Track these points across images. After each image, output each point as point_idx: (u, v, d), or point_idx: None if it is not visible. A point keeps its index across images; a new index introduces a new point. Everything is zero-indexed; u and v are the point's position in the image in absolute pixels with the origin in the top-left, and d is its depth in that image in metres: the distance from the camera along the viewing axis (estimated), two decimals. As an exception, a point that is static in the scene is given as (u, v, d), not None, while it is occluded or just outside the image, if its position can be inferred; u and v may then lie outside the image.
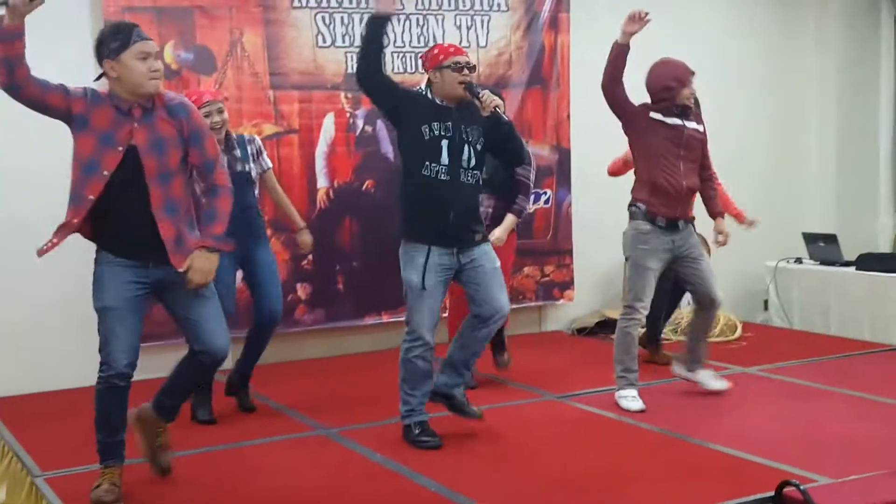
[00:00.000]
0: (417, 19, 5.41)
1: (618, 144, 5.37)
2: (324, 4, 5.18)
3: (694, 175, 4.19)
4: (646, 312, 4.21)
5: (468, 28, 5.55)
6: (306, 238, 4.38)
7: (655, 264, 4.13)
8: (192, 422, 4.09)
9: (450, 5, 5.49)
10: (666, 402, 4.33)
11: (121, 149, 3.01)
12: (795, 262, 6.26)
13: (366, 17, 5.15)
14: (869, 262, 5.92)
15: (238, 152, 4.07)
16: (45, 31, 4.62)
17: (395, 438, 3.79)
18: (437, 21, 5.46)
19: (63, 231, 3.06)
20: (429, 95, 3.68)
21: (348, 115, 5.30)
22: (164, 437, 3.38)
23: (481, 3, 5.56)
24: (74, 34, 4.75)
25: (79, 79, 4.70)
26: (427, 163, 3.59)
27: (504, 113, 3.65)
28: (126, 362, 3.08)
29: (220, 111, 3.98)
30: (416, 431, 3.72)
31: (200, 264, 3.09)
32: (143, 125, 3.05)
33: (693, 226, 4.26)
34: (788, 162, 6.80)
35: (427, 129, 3.59)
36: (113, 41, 3.03)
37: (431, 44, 5.40)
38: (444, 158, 3.59)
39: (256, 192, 4.16)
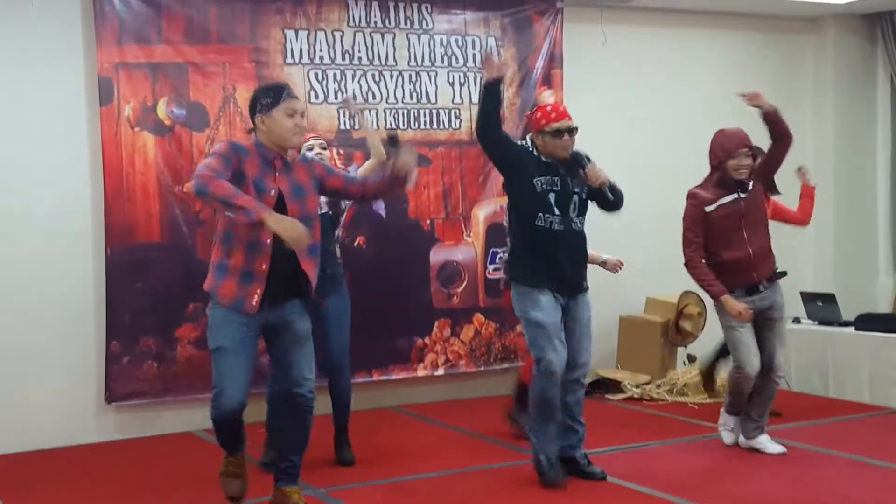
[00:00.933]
0: (410, 76, 5.44)
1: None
2: (316, 61, 5.22)
3: (761, 236, 4.28)
4: (756, 366, 4.23)
5: (461, 84, 5.58)
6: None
7: (743, 325, 4.20)
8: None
9: (443, 62, 5.53)
10: (659, 464, 4.26)
11: (273, 193, 3.29)
12: (793, 321, 6.18)
13: (358, 74, 5.30)
14: (868, 322, 5.85)
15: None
16: (39, 83, 4.73)
17: (383, 499, 3.70)
18: (429, 77, 5.50)
19: (258, 279, 3.26)
20: (534, 152, 3.90)
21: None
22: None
23: (474, 60, 5.60)
24: (68, 87, 4.79)
25: (68, 129, 4.79)
26: (540, 214, 3.83)
27: (608, 187, 3.88)
28: (235, 400, 3.27)
29: (323, 147, 4.24)
30: (544, 461, 3.87)
31: (290, 227, 3.18)
32: (284, 174, 3.34)
33: (778, 284, 4.34)
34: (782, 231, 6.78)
35: (539, 183, 3.84)
36: (266, 97, 3.35)
37: (425, 101, 5.47)
38: (555, 209, 3.84)
39: (336, 238, 4.25)
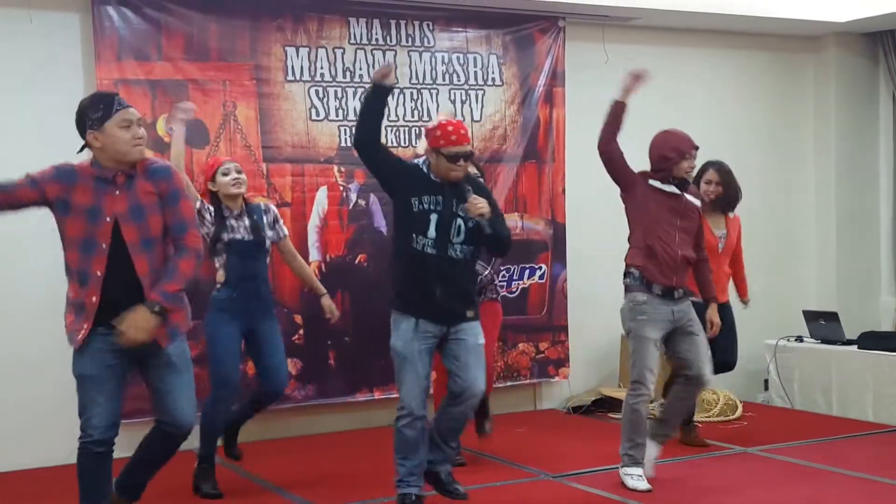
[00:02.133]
0: (412, 93, 5.44)
1: (613, 219, 5.31)
2: (317, 78, 5.22)
3: (689, 247, 4.13)
4: (653, 387, 4.09)
5: (462, 102, 5.57)
6: (329, 303, 4.35)
7: (656, 334, 4.02)
8: (195, 495, 4.05)
9: (444, 79, 5.53)
10: (665, 483, 4.21)
11: (109, 219, 3.01)
12: (796, 340, 6.15)
13: (360, 91, 5.29)
14: (871, 340, 5.83)
15: (247, 221, 4.05)
16: (38, 103, 4.71)
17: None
18: (431, 95, 5.49)
19: (88, 313, 3.03)
20: (425, 169, 3.69)
21: (341, 188, 5.28)
22: None
23: (476, 78, 5.60)
24: (68, 107, 4.73)
25: (67, 145, 4.76)
26: (414, 235, 3.59)
27: (488, 220, 3.58)
28: (104, 429, 3.04)
29: (239, 170, 4.08)
30: (401, 501, 3.66)
31: (135, 320, 2.97)
32: (124, 193, 3.05)
33: (690, 299, 4.18)
34: (789, 239, 6.76)
35: (416, 202, 3.60)
36: (95, 112, 3.04)
37: (426, 118, 5.46)
38: (432, 232, 3.59)
39: (268, 261, 4.14)
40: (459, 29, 5.56)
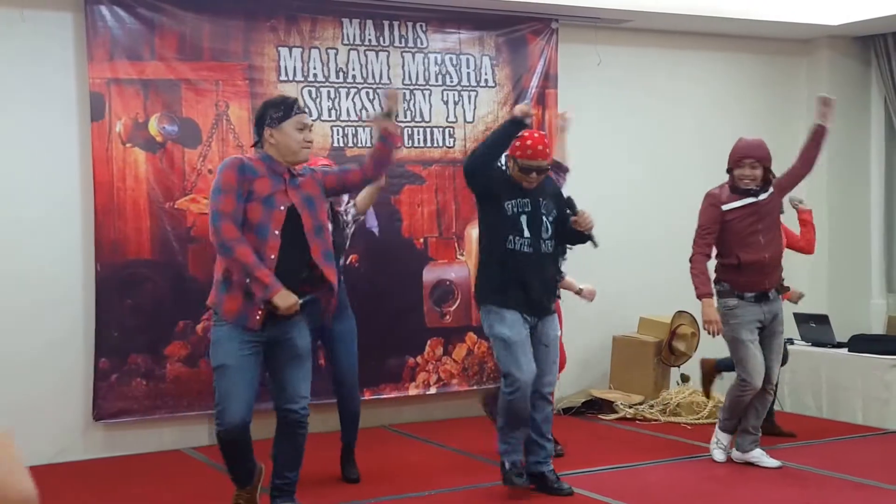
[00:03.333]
0: (405, 94, 5.44)
1: (605, 220, 5.33)
2: (311, 79, 5.22)
3: (776, 243, 4.31)
4: (760, 382, 4.27)
5: (455, 103, 5.58)
6: None
7: (750, 336, 4.25)
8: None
9: (437, 80, 5.53)
10: (656, 484, 4.23)
11: (283, 208, 3.29)
12: (787, 343, 6.16)
13: (353, 92, 5.29)
14: (861, 343, 5.84)
15: (331, 223, 4.11)
16: (30, 99, 4.71)
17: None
18: (424, 96, 5.50)
19: (258, 297, 3.23)
20: (507, 173, 3.95)
21: (334, 188, 5.28)
22: None
23: (468, 79, 5.61)
24: (59, 102, 4.77)
25: (59, 144, 4.78)
26: (510, 237, 3.85)
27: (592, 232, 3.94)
28: (239, 417, 3.29)
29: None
30: (508, 467, 3.92)
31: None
32: (294, 187, 3.35)
33: (779, 297, 4.38)
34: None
35: (510, 205, 3.86)
36: (277, 111, 3.36)
37: (419, 119, 5.47)
38: (526, 232, 3.86)
39: (342, 264, 4.23)
40: (452, 30, 5.57)
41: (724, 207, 4.28)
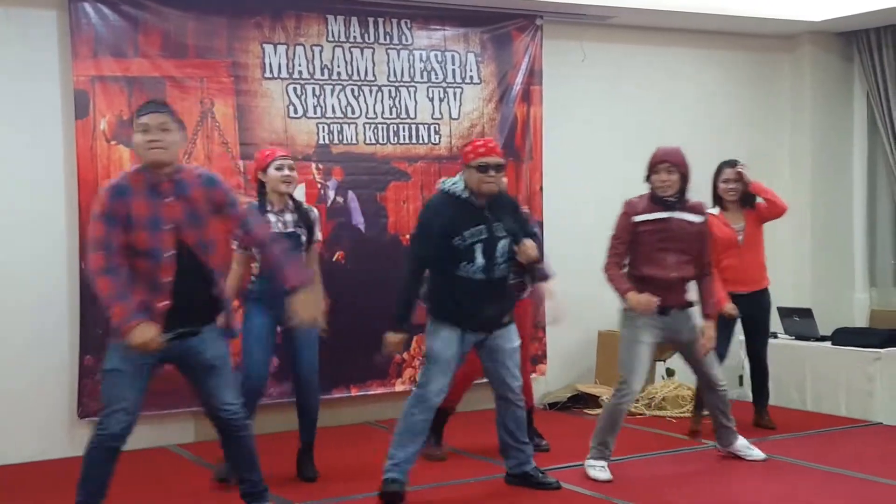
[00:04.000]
0: (390, 91, 5.45)
1: (590, 217, 5.38)
2: (295, 76, 5.22)
3: (685, 266, 4.16)
4: (640, 388, 4.20)
5: (440, 100, 5.59)
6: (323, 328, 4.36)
7: (648, 338, 4.13)
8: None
9: (422, 77, 5.54)
10: (638, 477, 4.26)
11: (169, 227, 3.11)
12: (771, 336, 6.20)
13: (337, 88, 5.31)
14: (845, 336, 5.89)
15: (293, 216, 4.10)
16: (14, 95, 4.70)
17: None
18: (409, 93, 5.51)
19: (156, 317, 3.10)
20: (463, 195, 3.83)
21: (319, 186, 5.29)
22: None
23: (454, 76, 5.62)
24: (43, 100, 4.76)
25: (43, 142, 4.76)
26: (462, 263, 3.80)
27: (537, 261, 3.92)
28: (123, 426, 3.14)
29: (292, 167, 4.14)
30: (387, 477, 3.85)
31: (305, 300, 3.30)
32: (178, 199, 3.14)
33: (688, 311, 4.24)
34: (764, 236, 6.81)
35: (459, 240, 3.78)
36: (134, 119, 3.20)
37: (404, 116, 5.49)
38: (480, 260, 3.80)
39: (303, 257, 4.14)
40: (437, 27, 5.58)
41: (636, 218, 4.13)
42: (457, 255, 3.77)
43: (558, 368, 5.99)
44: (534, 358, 5.88)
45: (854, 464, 4.39)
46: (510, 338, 3.94)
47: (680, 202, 4.15)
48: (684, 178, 4.16)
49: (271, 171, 4.06)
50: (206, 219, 3.17)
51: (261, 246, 3.39)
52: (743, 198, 5.07)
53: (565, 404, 5.75)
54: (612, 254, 4.20)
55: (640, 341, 4.11)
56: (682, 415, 5.48)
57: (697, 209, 4.25)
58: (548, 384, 5.98)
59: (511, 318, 3.96)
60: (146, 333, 3.04)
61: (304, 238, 4.14)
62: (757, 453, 4.46)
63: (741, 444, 4.48)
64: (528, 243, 3.86)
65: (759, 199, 5.13)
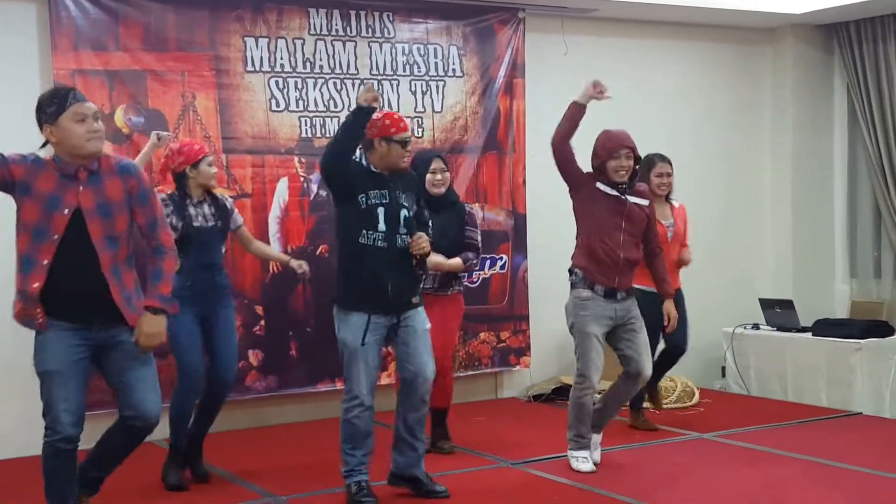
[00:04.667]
0: (372, 84, 5.42)
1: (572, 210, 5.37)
2: (277, 69, 5.20)
3: (634, 248, 4.16)
4: (597, 379, 4.15)
5: (423, 93, 5.59)
6: (297, 262, 4.41)
7: (598, 330, 4.10)
8: (162, 482, 4.08)
9: (404, 70, 5.53)
10: (623, 468, 4.29)
11: (66, 212, 3.02)
12: (752, 328, 6.27)
13: (320, 82, 5.29)
14: (825, 327, 5.95)
15: (211, 209, 4.09)
16: (-9, 92, 4.65)
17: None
18: (391, 86, 5.50)
19: (30, 300, 3.04)
20: (363, 162, 3.73)
21: (302, 179, 5.28)
22: None
23: (436, 69, 5.61)
24: (23, 96, 4.68)
25: (23, 136, 4.70)
26: (364, 231, 3.66)
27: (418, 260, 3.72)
28: (71, 425, 3.04)
29: (210, 164, 4.12)
30: (354, 490, 3.73)
31: (148, 327, 3.12)
32: (89, 188, 3.06)
33: (634, 297, 4.22)
34: (745, 229, 6.87)
35: (364, 198, 3.66)
36: (49, 106, 3.05)
37: (387, 109, 5.46)
38: (382, 226, 3.66)
39: (224, 250, 4.16)
40: (420, 20, 5.57)
41: (599, 185, 4.11)
42: (359, 218, 3.64)
43: (542, 360, 6.02)
44: (518, 350, 5.91)
45: (834, 453, 4.43)
46: (421, 320, 3.76)
47: (630, 187, 4.17)
48: (637, 163, 4.19)
49: (203, 166, 4.04)
50: (118, 211, 3.07)
51: (156, 250, 3.18)
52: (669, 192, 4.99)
53: (549, 396, 5.78)
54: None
55: (590, 333, 4.07)
56: (665, 406, 5.51)
57: (644, 193, 4.25)
58: (532, 376, 6.01)
59: (420, 300, 3.79)
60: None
61: (220, 227, 4.10)
62: (587, 466, 4.17)
63: (595, 441, 4.31)
64: (422, 237, 3.70)
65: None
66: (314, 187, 5.31)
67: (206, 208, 4.08)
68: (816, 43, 6.87)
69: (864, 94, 6.62)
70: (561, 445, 4.44)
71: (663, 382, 5.61)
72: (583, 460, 4.18)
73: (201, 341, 4.08)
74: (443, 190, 4.42)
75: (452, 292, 4.51)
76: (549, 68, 6.01)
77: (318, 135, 5.30)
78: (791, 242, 6.85)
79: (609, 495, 3.85)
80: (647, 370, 4.22)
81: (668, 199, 5.02)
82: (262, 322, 5.16)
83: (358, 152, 3.73)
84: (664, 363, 5.04)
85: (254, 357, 5.17)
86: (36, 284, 3.02)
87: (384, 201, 3.67)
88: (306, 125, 5.27)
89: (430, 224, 3.93)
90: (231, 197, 5.06)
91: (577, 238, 4.25)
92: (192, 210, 4.03)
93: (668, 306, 4.41)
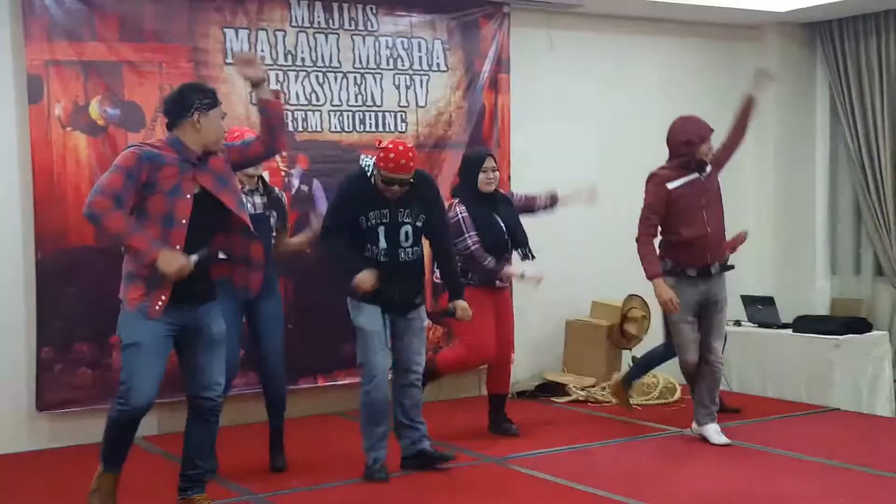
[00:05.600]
0: (355, 78, 5.37)
1: (557, 206, 5.34)
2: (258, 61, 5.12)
3: (718, 220, 4.46)
4: (692, 362, 4.46)
5: (407, 87, 5.53)
6: (299, 239, 4.38)
7: (689, 315, 4.40)
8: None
9: (388, 64, 5.47)
10: (604, 463, 4.29)
11: (189, 196, 3.28)
12: (734, 324, 6.28)
13: (301, 75, 5.22)
14: (805, 324, 5.98)
15: (259, 199, 4.06)
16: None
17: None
18: (375, 80, 5.44)
19: (166, 284, 3.23)
20: (371, 180, 3.94)
21: (284, 174, 5.21)
22: None
23: (420, 63, 5.56)
24: (-3, 87, 4.62)
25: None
26: (368, 245, 3.93)
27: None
28: (149, 399, 3.28)
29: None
30: (370, 462, 4.00)
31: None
32: (203, 171, 3.34)
33: (724, 276, 4.52)
34: (727, 225, 6.85)
35: (364, 220, 3.91)
36: (205, 96, 3.35)
37: (370, 103, 5.42)
38: (382, 243, 3.91)
39: (271, 242, 4.09)
40: (403, 13, 5.51)
41: (670, 185, 4.38)
42: (362, 237, 3.89)
43: (526, 357, 5.99)
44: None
45: (813, 449, 4.46)
46: (422, 317, 4.06)
47: (705, 165, 4.50)
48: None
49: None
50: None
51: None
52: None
53: (533, 393, 5.75)
54: (646, 224, 4.42)
55: (682, 322, 4.38)
56: (647, 402, 5.52)
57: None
58: (516, 373, 5.96)
59: (422, 299, 4.07)
60: (176, 260, 3.17)
61: (272, 221, 4.09)
62: (723, 439, 4.48)
63: (713, 428, 4.54)
64: (462, 306, 4.06)
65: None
66: (296, 182, 5.25)
67: (256, 198, 4.05)
68: (800, 41, 6.88)
69: (846, 92, 6.65)
70: (544, 442, 4.43)
71: (647, 379, 5.61)
72: (716, 433, 4.47)
73: (239, 330, 4.06)
74: (493, 188, 4.64)
75: (500, 286, 4.69)
76: (535, 63, 5.98)
77: (300, 129, 5.23)
78: (772, 239, 6.87)
79: (590, 491, 3.85)
80: (717, 351, 4.51)
81: None
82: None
83: (369, 163, 3.94)
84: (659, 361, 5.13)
85: (233, 353, 5.10)
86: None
87: (384, 221, 3.90)
88: (288, 119, 5.19)
89: (447, 228, 4.17)
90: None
91: (661, 233, 4.48)
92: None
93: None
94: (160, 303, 3.23)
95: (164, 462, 4.40)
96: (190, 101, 3.31)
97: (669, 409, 5.47)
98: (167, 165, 3.24)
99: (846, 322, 6.01)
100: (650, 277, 4.34)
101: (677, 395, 5.67)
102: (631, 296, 5.85)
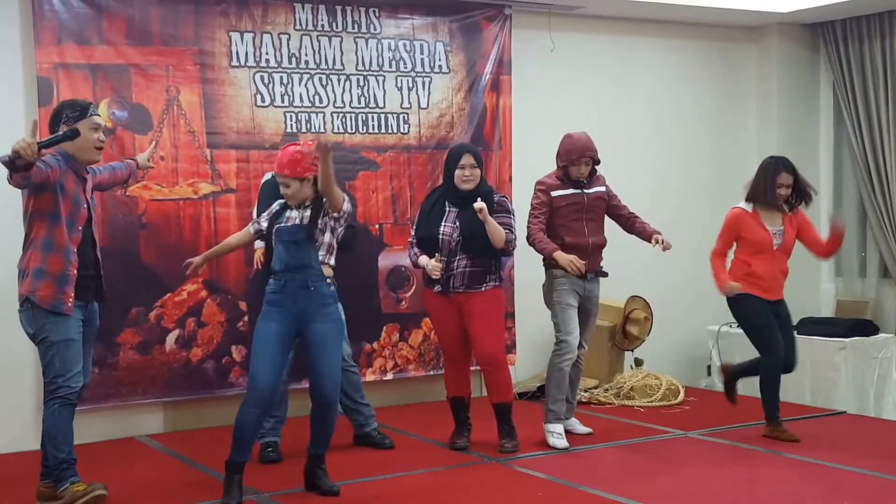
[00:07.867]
0: (358, 80, 5.42)
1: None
2: (262, 64, 5.18)
3: (598, 234, 4.66)
4: (576, 343, 4.56)
5: (409, 89, 5.58)
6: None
7: (574, 300, 4.57)
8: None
9: (391, 66, 5.52)
10: (607, 465, 4.29)
11: (85, 207, 3.62)
12: (738, 326, 6.27)
13: (305, 77, 5.27)
14: (810, 326, 5.97)
15: (308, 211, 3.76)
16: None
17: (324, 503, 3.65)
18: (377, 82, 5.48)
19: (69, 283, 3.56)
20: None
21: (287, 174, 5.25)
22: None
23: (422, 65, 5.60)
24: (5, 88, 4.69)
25: (6, 130, 4.69)
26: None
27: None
28: (82, 384, 3.65)
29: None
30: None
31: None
32: (86, 186, 3.69)
33: (598, 280, 4.72)
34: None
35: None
36: (73, 111, 3.57)
37: (373, 105, 5.47)
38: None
39: (322, 255, 3.76)
40: (406, 16, 5.56)
41: (553, 193, 4.56)
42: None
43: (528, 358, 6.01)
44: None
45: (817, 451, 4.44)
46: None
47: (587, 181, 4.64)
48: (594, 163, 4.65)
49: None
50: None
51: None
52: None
53: (535, 394, 5.77)
54: (534, 223, 4.57)
55: (565, 303, 4.56)
56: (650, 404, 5.53)
57: (601, 181, 4.72)
58: (517, 374, 5.99)
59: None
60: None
61: (302, 226, 3.99)
62: (562, 443, 4.54)
63: (574, 420, 4.82)
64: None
65: None
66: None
67: (301, 210, 3.78)
68: (802, 41, 6.89)
69: (850, 93, 6.65)
70: (545, 443, 4.44)
71: (648, 381, 5.63)
72: (557, 436, 4.55)
73: (281, 354, 3.74)
74: (471, 186, 4.37)
75: (487, 288, 4.46)
76: (536, 65, 6.01)
77: (304, 130, 5.28)
78: (777, 241, 6.84)
79: (592, 492, 3.85)
80: (583, 350, 4.76)
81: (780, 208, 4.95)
82: (246, 318, 5.13)
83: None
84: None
85: (237, 353, 5.15)
86: (75, 270, 3.57)
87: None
88: (291, 120, 5.25)
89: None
90: (215, 192, 5.08)
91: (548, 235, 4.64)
92: (293, 213, 3.78)
93: (657, 236, 4.66)
94: (71, 299, 3.54)
95: (166, 459, 4.45)
96: (58, 116, 3.60)
97: (672, 411, 5.48)
98: (68, 172, 3.57)
99: (851, 324, 6.00)
100: (549, 254, 4.49)
101: (680, 397, 5.68)
102: (633, 297, 5.87)
